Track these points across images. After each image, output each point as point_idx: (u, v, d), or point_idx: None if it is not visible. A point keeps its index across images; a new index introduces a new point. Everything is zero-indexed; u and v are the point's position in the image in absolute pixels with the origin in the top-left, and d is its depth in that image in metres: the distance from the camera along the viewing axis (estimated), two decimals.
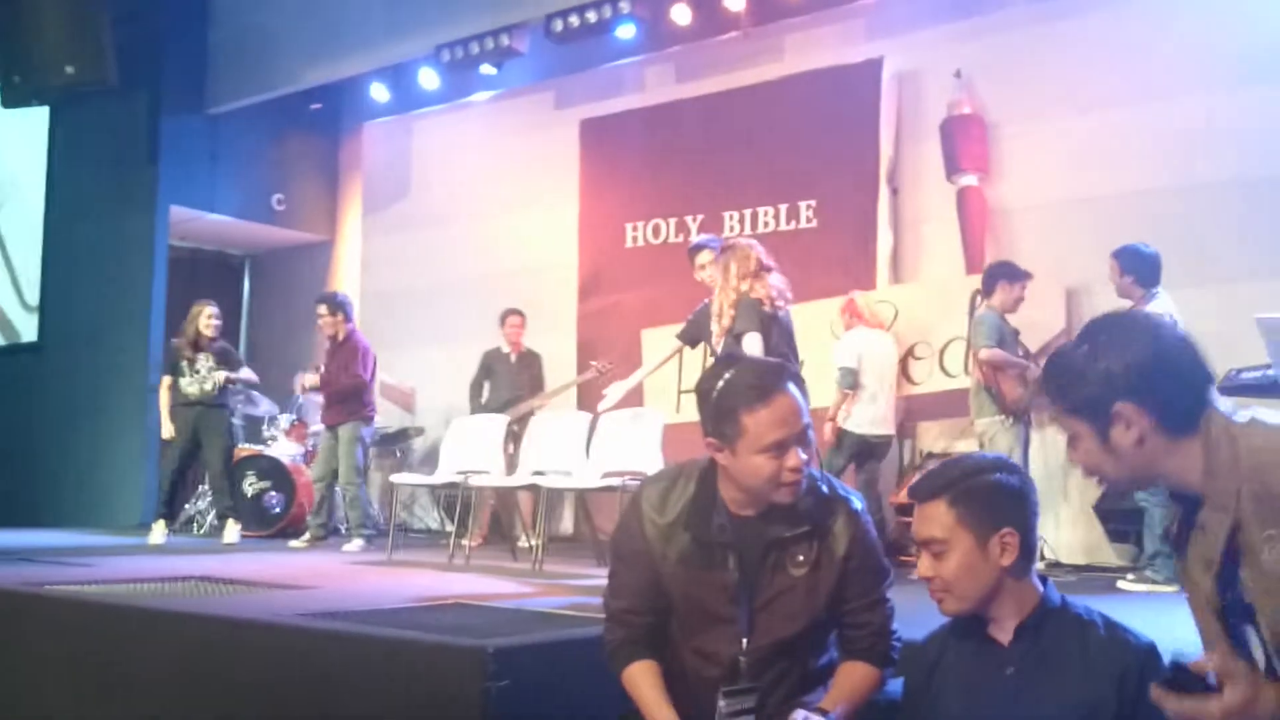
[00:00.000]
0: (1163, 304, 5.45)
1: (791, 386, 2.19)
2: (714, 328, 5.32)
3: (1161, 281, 5.54)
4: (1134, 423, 1.70)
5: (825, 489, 2.28)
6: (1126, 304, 5.60)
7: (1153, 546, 5.23)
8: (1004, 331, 5.93)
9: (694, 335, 5.75)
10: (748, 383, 2.18)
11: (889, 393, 6.69)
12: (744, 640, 2.23)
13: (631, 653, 2.30)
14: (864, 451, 6.61)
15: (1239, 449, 1.65)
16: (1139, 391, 1.69)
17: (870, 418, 6.58)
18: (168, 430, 7.54)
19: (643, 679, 2.26)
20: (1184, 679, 1.57)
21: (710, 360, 5.49)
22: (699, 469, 2.31)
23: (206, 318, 7.51)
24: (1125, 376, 1.69)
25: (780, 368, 2.26)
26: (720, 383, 2.20)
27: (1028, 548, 2.06)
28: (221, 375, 7.39)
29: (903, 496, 6.96)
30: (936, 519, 2.05)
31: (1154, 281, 5.50)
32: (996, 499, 2.05)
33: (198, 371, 7.44)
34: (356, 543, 7.15)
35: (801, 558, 2.24)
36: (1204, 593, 1.72)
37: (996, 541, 2.03)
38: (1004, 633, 2.06)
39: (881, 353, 6.73)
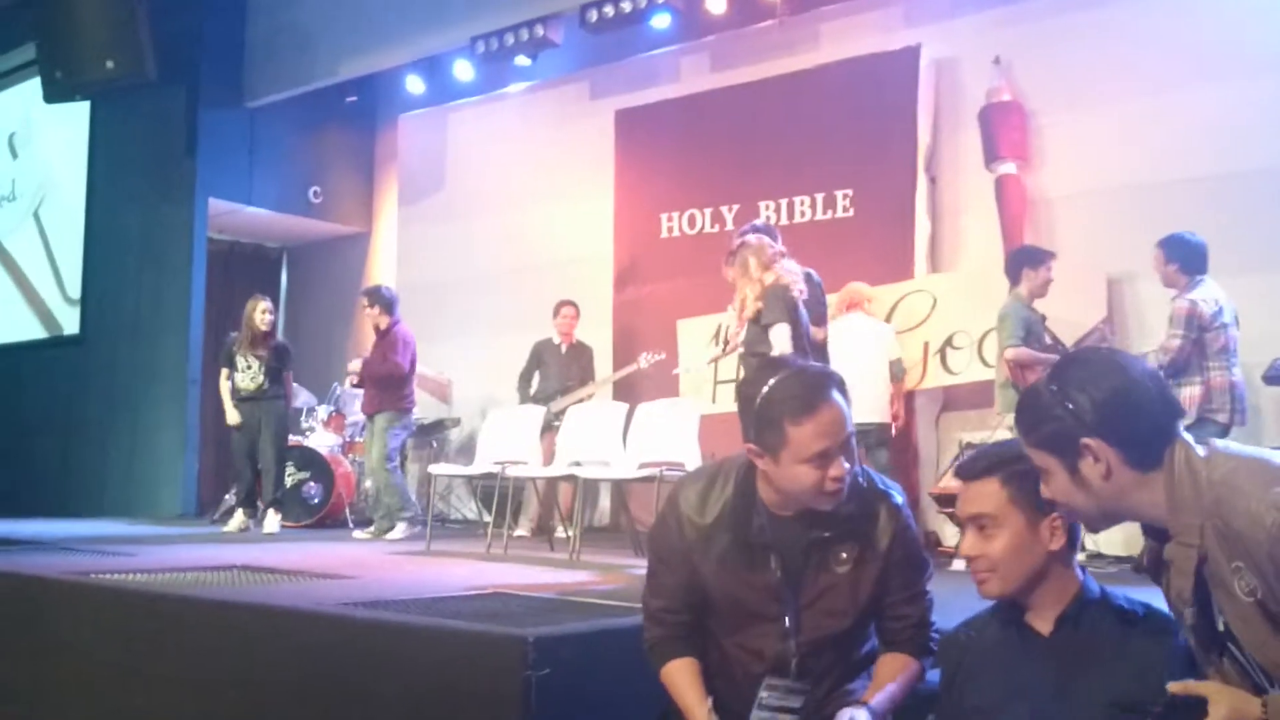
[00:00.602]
0: (1208, 290, 5.39)
1: (837, 395, 2.15)
2: (733, 321, 5.32)
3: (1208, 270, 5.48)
4: (1101, 456, 1.76)
5: (865, 483, 2.25)
6: (1171, 293, 5.55)
7: None
8: (1030, 322, 5.86)
9: None
10: (793, 392, 2.13)
11: (870, 378, 6.48)
12: (793, 640, 2.22)
13: (670, 650, 2.30)
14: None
15: (1200, 483, 1.70)
16: (1105, 426, 1.75)
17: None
18: (233, 417, 7.74)
19: (680, 676, 2.26)
20: (1173, 713, 1.64)
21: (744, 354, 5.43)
22: (736, 468, 2.28)
23: (260, 313, 7.69)
24: (1092, 412, 1.76)
25: (826, 376, 2.19)
26: (764, 389, 2.15)
27: (1074, 535, 2.04)
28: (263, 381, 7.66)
29: (945, 486, 6.89)
30: (988, 496, 2.03)
31: (1200, 269, 5.45)
32: None
33: (250, 367, 7.64)
34: (400, 527, 7.23)
35: (845, 555, 2.23)
36: (1186, 622, 1.76)
37: (1047, 525, 2.01)
38: (1044, 622, 2.03)
39: (855, 338, 6.58)
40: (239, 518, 7.70)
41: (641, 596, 2.40)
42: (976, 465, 2.07)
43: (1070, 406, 1.77)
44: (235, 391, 7.71)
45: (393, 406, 7.41)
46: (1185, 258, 5.45)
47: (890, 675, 2.24)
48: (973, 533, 2.04)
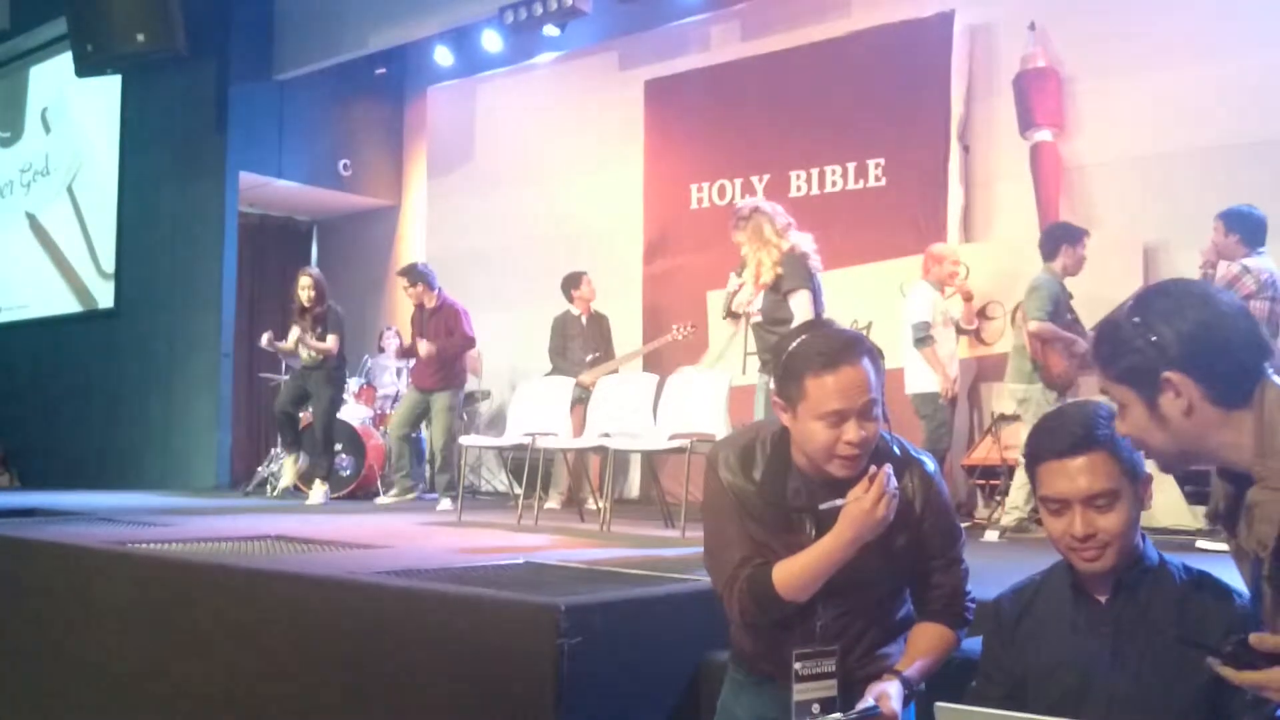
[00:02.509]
0: (1264, 262, 5.38)
1: (865, 360, 2.14)
2: (746, 289, 5.23)
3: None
4: (1183, 392, 1.67)
5: (898, 450, 2.25)
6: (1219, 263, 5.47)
7: None
8: (1060, 299, 5.82)
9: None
10: (818, 348, 2.14)
11: (906, 349, 6.45)
12: (819, 604, 2.21)
13: (766, 568, 2.21)
14: None
15: None
16: (1189, 360, 1.67)
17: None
18: (290, 344, 7.89)
19: (788, 562, 2.18)
20: (1246, 653, 1.56)
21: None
22: (772, 432, 2.29)
23: (300, 289, 7.81)
24: (1176, 345, 1.67)
25: (858, 340, 2.19)
26: (794, 344, 2.19)
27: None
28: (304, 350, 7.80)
29: (979, 457, 6.85)
30: (1105, 470, 1.91)
31: (1259, 243, 5.41)
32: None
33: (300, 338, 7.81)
34: (446, 503, 7.34)
35: None
36: (1263, 571, 1.68)
37: (1145, 489, 1.95)
38: (1101, 589, 1.98)
39: (906, 308, 6.57)
40: (289, 466, 7.78)
41: (709, 566, 2.32)
42: (1082, 439, 1.91)
43: (1154, 339, 1.68)
44: (295, 360, 7.88)
45: (455, 383, 7.57)
46: (1247, 230, 5.41)
47: (924, 645, 2.24)
48: (1089, 511, 1.92)
